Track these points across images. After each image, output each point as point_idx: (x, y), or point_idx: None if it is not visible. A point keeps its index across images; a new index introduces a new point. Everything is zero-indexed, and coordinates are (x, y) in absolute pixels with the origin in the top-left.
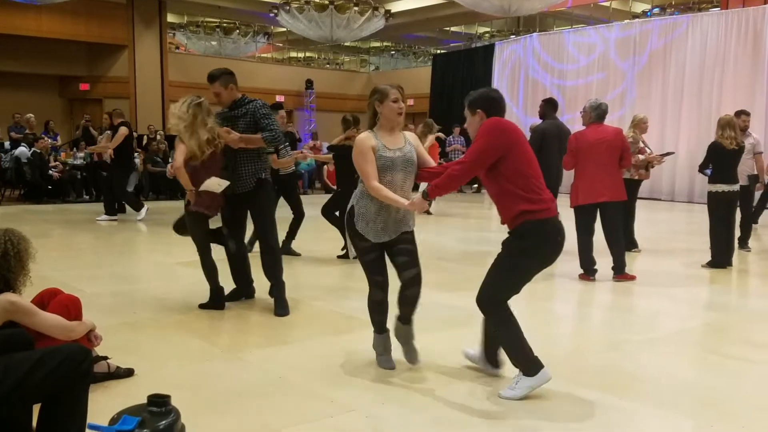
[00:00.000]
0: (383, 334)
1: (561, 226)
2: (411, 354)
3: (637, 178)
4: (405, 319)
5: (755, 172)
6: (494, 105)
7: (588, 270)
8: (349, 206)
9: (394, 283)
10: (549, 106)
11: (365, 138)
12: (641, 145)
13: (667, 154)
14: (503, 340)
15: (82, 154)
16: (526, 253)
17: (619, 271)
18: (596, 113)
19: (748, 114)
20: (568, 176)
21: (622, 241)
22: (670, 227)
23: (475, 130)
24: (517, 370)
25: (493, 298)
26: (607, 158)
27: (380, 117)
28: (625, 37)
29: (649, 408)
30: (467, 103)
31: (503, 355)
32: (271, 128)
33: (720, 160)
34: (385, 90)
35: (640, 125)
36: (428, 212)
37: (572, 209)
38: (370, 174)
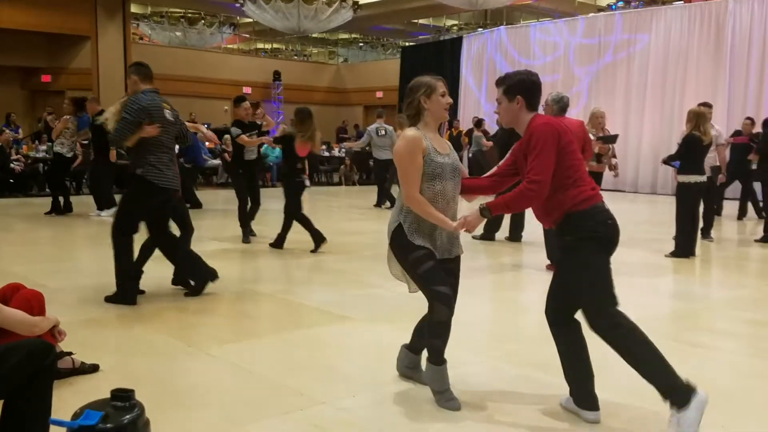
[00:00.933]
0: (443, 365)
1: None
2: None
3: (588, 170)
4: (417, 349)
5: (717, 164)
6: (536, 92)
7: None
8: (394, 225)
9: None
10: None
11: (417, 137)
12: (591, 137)
13: (608, 138)
14: (642, 361)
15: (44, 147)
16: (586, 247)
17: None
18: (558, 106)
19: (710, 106)
20: None
21: None
22: (633, 218)
23: (512, 118)
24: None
25: (597, 315)
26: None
27: (426, 114)
28: (589, 30)
29: (615, 395)
30: (504, 87)
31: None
32: (116, 128)
33: (695, 152)
34: (432, 83)
35: (593, 120)
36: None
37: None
38: (414, 182)
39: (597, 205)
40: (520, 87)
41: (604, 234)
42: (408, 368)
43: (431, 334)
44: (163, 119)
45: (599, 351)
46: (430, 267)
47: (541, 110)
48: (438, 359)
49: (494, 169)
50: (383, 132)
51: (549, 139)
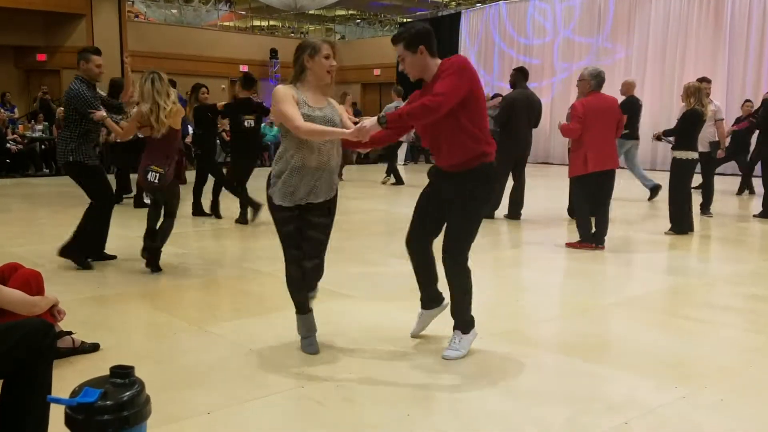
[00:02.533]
0: (306, 314)
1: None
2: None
3: None
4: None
5: (716, 139)
6: (433, 37)
7: (589, 238)
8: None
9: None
10: (520, 75)
11: (284, 87)
12: None
13: None
14: (462, 294)
15: (40, 127)
16: (487, 196)
17: (603, 240)
18: (596, 81)
19: (709, 81)
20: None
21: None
22: (632, 195)
23: (420, 69)
24: (452, 333)
25: (465, 248)
26: (611, 126)
27: (307, 73)
28: (589, 4)
29: (614, 371)
30: (404, 41)
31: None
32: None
33: (695, 128)
34: (316, 44)
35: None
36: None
37: (572, 179)
38: (294, 115)
39: (493, 163)
40: (419, 37)
41: (494, 192)
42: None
43: (288, 287)
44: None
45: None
46: (288, 231)
47: (544, 85)
48: (301, 308)
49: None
50: None
51: (466, 69)
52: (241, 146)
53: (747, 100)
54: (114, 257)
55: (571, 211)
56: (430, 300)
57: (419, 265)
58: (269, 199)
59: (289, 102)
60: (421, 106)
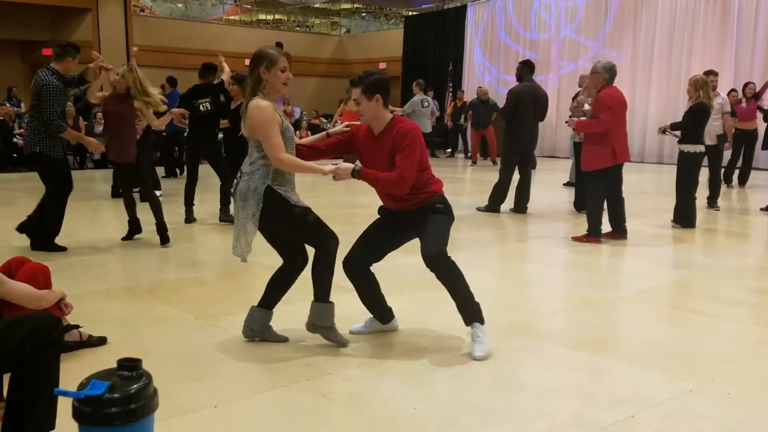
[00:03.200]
0: (331, 303)
1: None
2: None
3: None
4: (271, 304)
5: (723, 132)
6: (388, 90)
7: (598, 232)
8: (255, 191)
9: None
10: (526, 68)
11: (271, 105)
12: (587, 107)
13: None
14: (460, 290)
15: None
16: (448, 212)
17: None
18: (609, 74)
19: (716, 74)
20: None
21: None
22: (640, 188)
23: (373, 115)
24: (468, 328)
25: (444, 249)
26: (625, 118)
27: (264, 85)
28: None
29: (621, 364)
30: (363, 87)
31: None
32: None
33: (702, 120)
34: (273, 56)
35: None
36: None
37: (591, 172)
38: (280, 145)
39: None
40: (378, 86)
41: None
42: (262, 326)
43: (328, 270)
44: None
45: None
46: (315, 216)
47: (550, 78)
48: (327, 296)
49: (318, 139)
50: (426, 104)
51: (418, 137)
52: (199, 133)
53: (732, 90)
54: (64, 249)
55: (579, 205)
56: (380, 316)
57: (362, 286)
58: (286, 201)
59: (276, 127)
60: (392, 183)
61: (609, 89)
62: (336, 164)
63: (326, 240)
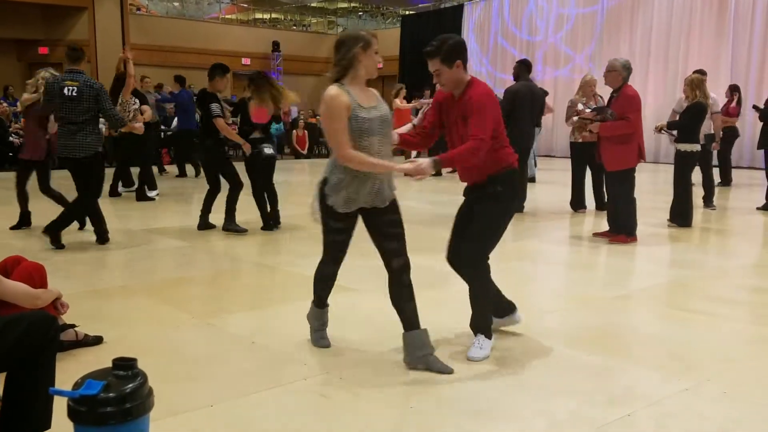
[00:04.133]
0: (323, 308)
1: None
2: (435, 365)
3: (581, 141)
4: (408, 322)
5: (712, 132)
6: (466, 53)
7: (632, 230)
8: (322, 177)
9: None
10: (523, 67)
11: (339, 94)
12: (580, 107)
13: (601, 109)
14: (482, 300)
15: None
16: (506, 200)
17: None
18: (627, 73)
19: (705, 74)
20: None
21: None
22: (636, 187)
23: (455, 82)
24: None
25: (475, 259)
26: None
27: (358, 69)
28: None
29: (618, 363)
30: (442, 55)
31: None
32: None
33: (699, 120)
34: (368, 37)
35: (584, 88)
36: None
37: (618, 172)
38: (345, 141)
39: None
40: (458, 51)
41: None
42: (423, 347)
43: (316, 280)
44: (58, 95)
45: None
46: (339, 240)
47: (548, 78)
48: (320, 302)
49: (412, 126)
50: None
51: (492, 102)
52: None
53: (735, 89)
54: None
55: (575, 204)
56: (494, 310)
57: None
58: (329, 209)
59: (343, 120)
60: (467, 153)
61: (631, 88)
62: (413, 161)
63: (326, 262)
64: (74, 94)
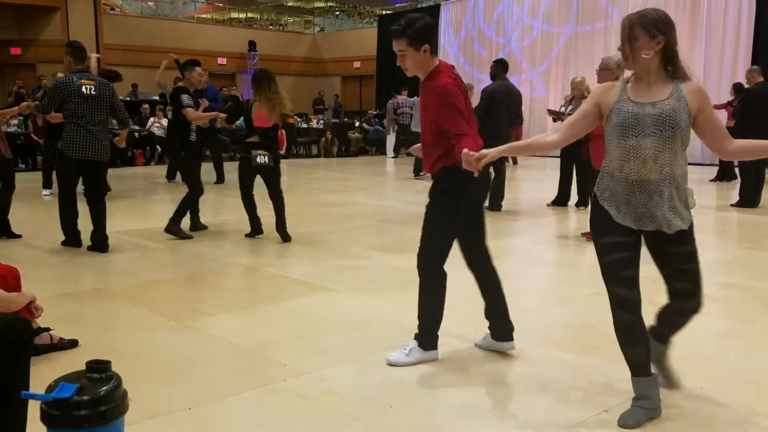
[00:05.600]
0: (646, 377)
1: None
2: (669, 377)
3: None
4: (660, 336)
5: None
6: (436, 37)
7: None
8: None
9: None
10: (499, 67)
11: (608, 86)
12: (562, 109)
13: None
14: (425, 307)
15: (15, 122)
16: (449, 203)
17: None
18: (621, 72)
19: None
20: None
21: None
22: None
23: (420, 67)
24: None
25: (425, 259)
26: None
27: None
28: None
29: (594, 359)
30: (408, 36)
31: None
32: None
33: None
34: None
35: (574, 90)
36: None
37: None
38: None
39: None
40: (426, 34)
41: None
42: (655, 360)
43: (619, 340)
44: (76, 94)
45: None
46: (615, 259)
47: (524, 79)
48: (638, 370)
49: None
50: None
51: (456, 95)
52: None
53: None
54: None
55: (559, 202)
56: (493, 327)
57: (479, 285)
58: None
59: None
60: (459, 149)
61: None
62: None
63: (610, 301)
64: (93, 92)
